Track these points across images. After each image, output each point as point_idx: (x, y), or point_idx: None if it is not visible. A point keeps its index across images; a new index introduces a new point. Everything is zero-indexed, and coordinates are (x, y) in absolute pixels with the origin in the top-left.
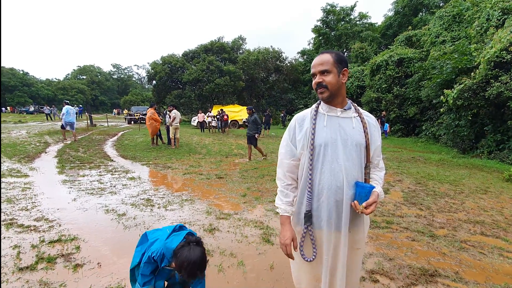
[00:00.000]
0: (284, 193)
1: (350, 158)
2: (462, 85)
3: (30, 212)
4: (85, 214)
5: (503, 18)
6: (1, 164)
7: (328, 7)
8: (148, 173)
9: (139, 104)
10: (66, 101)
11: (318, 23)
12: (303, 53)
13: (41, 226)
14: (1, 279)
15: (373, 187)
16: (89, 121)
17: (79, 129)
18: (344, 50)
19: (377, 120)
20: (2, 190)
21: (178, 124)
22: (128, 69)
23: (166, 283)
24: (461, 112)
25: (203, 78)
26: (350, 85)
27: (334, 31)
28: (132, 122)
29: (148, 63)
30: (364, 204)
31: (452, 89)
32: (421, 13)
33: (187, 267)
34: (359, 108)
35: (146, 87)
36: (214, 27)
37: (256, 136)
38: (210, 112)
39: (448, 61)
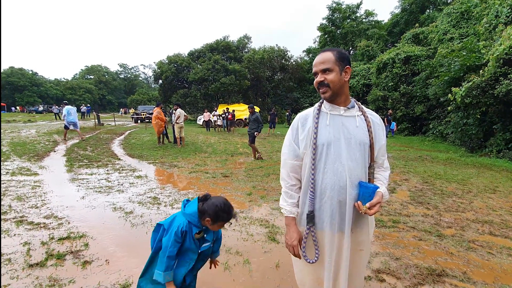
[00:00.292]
0: (288, 194)
1: (353, 157)
2: (470, 83)
3: (40, 210)
4: (93, 212)
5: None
6: (12, 163)
7: (334, 5)
8: (154, 171)
9: (145, 103)
10: (65, 101)
11: (324, 21)
12: (308, 51)
13: (50, 223)
14: (13, 275)
15: (377, 187)
16: (96, 120)
17: (87, 128)
18: (350, 48)
19: (384, 118)
20: (12, 188)
21: (183, 123)
22: (134, 69)
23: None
24: (469, 110)
25: (209, 77)
26: (356, 84)
27: (340, 29)
28: (139, 121)
29: (154, 62)
30: (367, 204)
31: (460, 87)
32: (428, 10)
33: (224, 208)
34: (363, 106)
35: (153, 86)
36: (220, 26)
37: (255, 134)
38: (216, 111)
39: (456, 59)
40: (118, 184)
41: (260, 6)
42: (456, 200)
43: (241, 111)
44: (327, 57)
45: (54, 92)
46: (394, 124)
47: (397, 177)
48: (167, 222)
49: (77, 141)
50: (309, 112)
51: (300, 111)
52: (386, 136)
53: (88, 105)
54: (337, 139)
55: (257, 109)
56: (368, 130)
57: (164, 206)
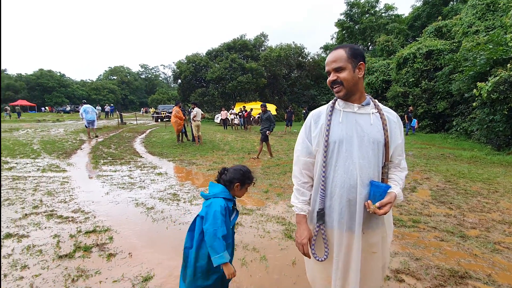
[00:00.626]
0: (300, 192)
1: (366, 156)
2: (497, 78)
3: (68, 205)
4: (117, 207)
5: None
6: (42, 160)
7: (352, 0)
8: (174, 169)
9: (165, 102)
10: (84, 101)
11: (342, 17)
12: (326, 48)
13: (78, 217)
14: (44, 265)
15: (389, 187)
16: (119, 119)
17: (110, 127)
18: (369, 43)
19: (404, 115)
20: (43, 184)
21: (199, 122)
22: (155, 69)
23: None
24: (496, 106)
25: (226, 76)
26: (375, 80)
27: (358, 24)
28: (159, 120)
29: (173, 62)
30: (377, 204)
31: (486, 82)
32: (451, 2)
33: (247, 170)
34: (379, 104)
35: (172, 86)
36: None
37: (267, 133)
38: (233, 109)
39: (482, 52)
40: (140, 181)
41: (277, 3)
42: (481, 200)
43: (258, 109)
44: (338, 55)
45: (80, 92)
46: (415, 121)
47: (417, 176)
48: (203, 212)
49: (102, 139)
50: (323, 109)
51: (317, 109)
52: (406, 134)
53: (112, 104)
54: (349, 136)
55: (274, 107)
56: (383, 128)
57: (184, 202)
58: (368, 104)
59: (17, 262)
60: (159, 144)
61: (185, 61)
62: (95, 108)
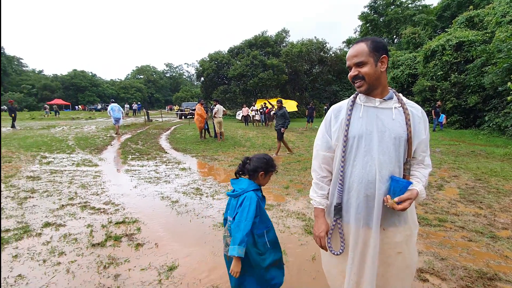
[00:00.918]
0: (319, 186)
1: (386, 151)
2: None
3: (100, 197)
4: (144, 200)
5: None
6: (77, 155)
7: None
8: (197, 164)
9: (188, 100)
10: (112, 99)
11: (365, 9)
12: (348, 42)
13: (109, 209)
14: (79, 252)
15: (410, 183)
16: (146, 117)
17: (138, 124)
18: (394, 36)
19: (431, 111)
20: (77, 177)
21: (221, 118)
22: (179, 68)
23: None
24: None
25: (247, 73)
26: (401, 74)
27: (383, 17)
28: (183, 117)
29: (196, 61)
30: (396, 199)
31: None
32: None
33: (270, 158)
34: (404, 98)
35: (195, 83)
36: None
37: (282, 130)
38: (254, 106)
39: None
40: (165, 175)
41: None
42: None
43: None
44: (360, 49)
45: (110, 91)
46: (443, 116)
47: (445, 174)
48: (234, 210)
49: (130, 136)
50: (343, 104)
51: None
52: (434, 130)
53: (139, 102)
54: (369, 131)
55: (295, 103)
56: (406, 123)
57: (206, 197)
58: (391, 98)
59: (55, 249)
60: (183, 141)
61: (208, 59)
62: (124, 106)
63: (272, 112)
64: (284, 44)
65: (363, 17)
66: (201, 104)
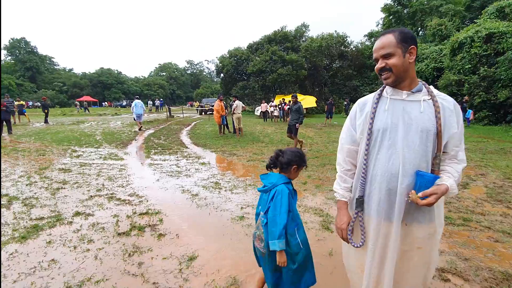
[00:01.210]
0: (342, 179)
1: (412, 145)
2: None
3: (125, 189)
4: (166, 193)
5: None
6: (104, 149)
7: None
8: (216, 159)
9: (208, 96)
10: (137, 96)
11: (389, 1)
12: (370, 35)
13: (133, 200)
14: (106, 240)
15: (437, 178)
16: (168, 113)
17: (160, 120)
18: (419, 28)
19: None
20: (104, 170)
21: (240, 114)
22: (199, 64)
23: None
24: None
25: (266, 69)
26: (425, 68)
27: (407, 8)
28: (203, 113)
29: (216, 57)
30: (420, 194)
31: None
32: None
33: (302, 153)
34: (434, 90)
35: (215, 80)
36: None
37: (296, 126)
38: (273, 101)
39: None
40: (186, 170)
41: None
42: None
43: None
44: (387, 40)
45: (134, 88)
46: (470, 112)
47: (471, 172)
48: (266, 205)
49: (153, 131)
50: (369, 97)
51: None
52: None
53: (161, 99)
54: (394, 125)
55: (314, 99)
56: (436, 116)
57: (225, 191)
58: (419, 90)
59: (84, 237)
60: (203, 136)
61: (227, 55)
62: (147, 103)
63: (286, 107)
64: (303, 39)
65: (386, 9)
66: (220, 100)
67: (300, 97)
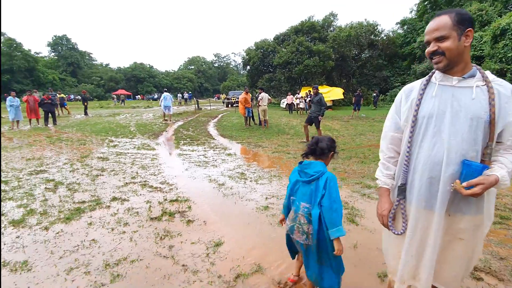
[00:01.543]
0: (385, 166)
1: (459, 133)
2: None
3: (157, 177)
4: (194, 182)
5: None
6: (137, 140)
7: None
8: (242, 150)
9: (235, 89)
10: (165, 89)
11: None
12: (403, 23)
13: (164, 188)
14: (140, 224)
15: (486, 168)
16: (196, 105)
17: (189, 112)
18: None
19: None
20: (138, 159)
21: (265, 106)
22: (226, 57)
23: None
24: None
25: (293, 60)
26: None
27: None
28: (229, 106)
29: (243, 50)
30: (464, 183)
31: None
32: None
33: (333, 139)
34: (490, 75)
35: (242, 72)
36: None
37: (319, 118)
38: (298, 94)
39: None
40: (213, 160)
41: None
42: None
43: (325, 93)
44: (442, 22)
45: (165, 82)
46: None
47: None
48: (319, 192)
49: (182, 123)
50: (416, 83)
51: (390, 92)
52: None
53: (190, 92)
54: (441, 111)
55: (341, 90)
56: (490, 104)
57: (250, 181)
58: (473, 76)
59: (120, 220)
60: (229, 128)
61: (254, 47)
62: (177, 96)
63: (307, 99)
64: (331, 29)
65: None
66: (246, 92)
67: (326, 88)
